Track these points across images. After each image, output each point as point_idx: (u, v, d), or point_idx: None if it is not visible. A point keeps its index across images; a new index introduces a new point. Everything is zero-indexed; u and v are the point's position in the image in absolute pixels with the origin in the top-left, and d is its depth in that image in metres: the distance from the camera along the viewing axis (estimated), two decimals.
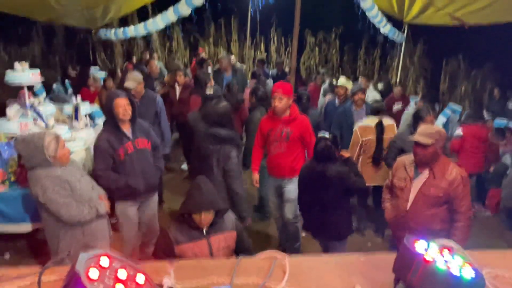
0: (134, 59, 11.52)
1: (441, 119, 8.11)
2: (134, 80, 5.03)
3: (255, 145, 4.52)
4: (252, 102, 5.44)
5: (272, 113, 4.31)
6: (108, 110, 3.75)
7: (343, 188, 3.58)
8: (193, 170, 4.47)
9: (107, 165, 3.73)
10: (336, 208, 3.65)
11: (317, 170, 3.64)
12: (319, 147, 3.65)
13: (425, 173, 3.29)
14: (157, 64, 8.59)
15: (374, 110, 5.16)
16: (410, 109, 7.52)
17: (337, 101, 6.64)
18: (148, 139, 3.93)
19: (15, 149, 3.07)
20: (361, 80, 8.67)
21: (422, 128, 3.37)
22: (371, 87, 8.80)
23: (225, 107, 4.02)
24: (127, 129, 3.77)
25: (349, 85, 6.76)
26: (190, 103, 5.84)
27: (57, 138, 3.10)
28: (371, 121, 5.01)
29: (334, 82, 7.80)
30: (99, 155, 3.75)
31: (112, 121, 3.73)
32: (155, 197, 4.21)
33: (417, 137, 3.21)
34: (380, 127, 4.91)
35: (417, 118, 4.45)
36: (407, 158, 3.47)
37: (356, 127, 5.13)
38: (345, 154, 3.76)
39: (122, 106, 3.65)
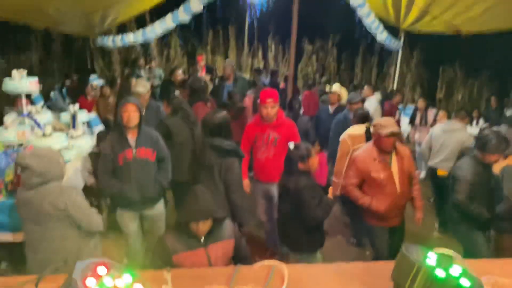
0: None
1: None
2: (144, 86, 5.13)
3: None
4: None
5: (259, 119, 4.36)
6: (117, 114, 3.75)
7: (300, 202, 3.42)
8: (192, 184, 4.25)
9: (106, 168, 3.74)
10: (295, 221, 3.52)
11: (282, 180, 3.60)
12: (285, 158, 3.57)
13: (393, 157, 3.81)
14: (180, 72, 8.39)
15: (361, 117, 4.89)
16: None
17: (330, 108, 6.62)
18: (153, 149, 3.82)
19: (23, 165, 2.89)
20: (366, 88, 8.38)
21: (386, 120, 3.84)
22: (375, 96, 8.45)
23: (226, 117, 3.86)
24: (132, 136, 3.72)
25: (343, 92, 6.77)
26: (198, 111, 5.47)
27: (60, 152, 3.12)
28: (359, 128, 4.78)
29: (328, 89, 7.77)
30: (101, 157, 3.80)
31: (118, 126, 3.72)
32: (158, 208, 4.06)
33: (396, 128, 3.70)
34: (368, 134, 4.61)
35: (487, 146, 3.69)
36: (372, 151, 3.80)
37: (343, 136, 4.86)
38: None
39: (127, 112, 3.61)
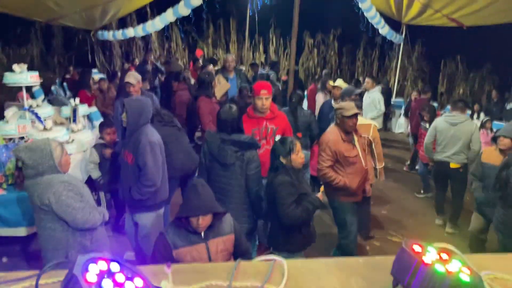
0: (137, 61, 11.48)
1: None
2: (134, 77, 5.11)
3: None
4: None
5: (252, 113, 4.36)
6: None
7: (274, 198, 3.34)
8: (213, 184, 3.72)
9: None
10: (272, 218, 3.50)
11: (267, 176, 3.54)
12: (270, 151, 3.53)
13: (354, 136, 4.18)
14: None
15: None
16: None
17: (333, 102, 6.66)
18: (134, 155, 3.64)
19: (17, 157, 2.95)
20: (367, 81, 8.28)
21: (348, 104, 4.16)
22: (376, 88, 8.40)
23: (237, 111, 3.74)
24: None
25: (345, 86, 6.78)
26: (201, 105, 5.55)
27: (61, 144, 3.09)
28: None
29: (331, 83, 7.76)
30: None
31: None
32: (143, 218, 3.84)
33: (357, 110, 4.06)
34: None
35: None
36: (340, 133, 4.07)
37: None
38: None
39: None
